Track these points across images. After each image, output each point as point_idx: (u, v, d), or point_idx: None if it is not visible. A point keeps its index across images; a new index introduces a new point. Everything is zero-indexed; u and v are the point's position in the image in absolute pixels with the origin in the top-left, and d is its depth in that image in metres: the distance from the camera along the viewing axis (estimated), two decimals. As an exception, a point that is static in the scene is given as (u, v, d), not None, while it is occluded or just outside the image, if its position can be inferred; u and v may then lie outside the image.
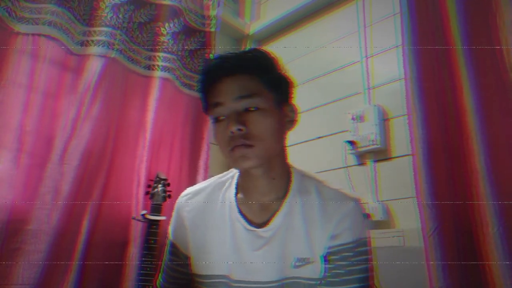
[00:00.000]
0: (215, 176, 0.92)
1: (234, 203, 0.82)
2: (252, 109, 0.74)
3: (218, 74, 0.77)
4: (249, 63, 0.77)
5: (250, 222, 0.80)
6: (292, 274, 0.78)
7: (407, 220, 1.44)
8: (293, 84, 0.83)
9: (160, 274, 0.95)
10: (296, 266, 0.78)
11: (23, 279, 1.16)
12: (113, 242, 1.41)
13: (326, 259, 0.78)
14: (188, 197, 0.89)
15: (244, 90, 0.74)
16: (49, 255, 1.22)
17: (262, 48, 0.81)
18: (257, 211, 0.81)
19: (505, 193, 1.08)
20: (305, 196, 0.81)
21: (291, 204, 0.80)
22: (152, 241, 1.30)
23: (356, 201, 0.81)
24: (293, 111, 0.83)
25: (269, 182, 0.79)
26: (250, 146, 0.72)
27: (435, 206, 1.19)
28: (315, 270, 0.78)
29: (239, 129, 0.72)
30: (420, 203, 1.22)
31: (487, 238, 1.08)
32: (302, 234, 0.78)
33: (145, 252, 1.29)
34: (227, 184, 0.87)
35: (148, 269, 1.25)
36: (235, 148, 0.72)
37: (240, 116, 0.73)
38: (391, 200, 1.51)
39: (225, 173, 0.92)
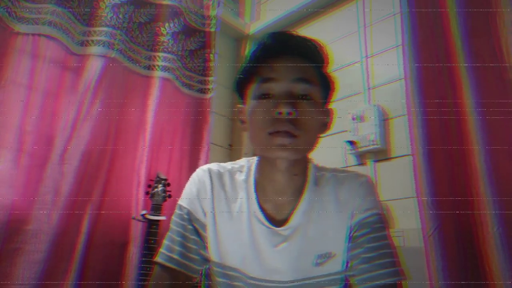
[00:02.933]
0: (224, 164, 0.85)
1: (253, 195, 0.77)
2: (305, 96, 0.69)
3: (278, 49, 0.71)
4: (312, 50, 0.73)
5: (269, 219, 0.76)
6: (315, 273, 0.75)
7: (407, 220, 1.44)
8: (335, 90, 0.79)
9: (162, 249, 0.80)
10: (318, 264, 0.75)
11: (23, 279, 1.16)
12: (113, 242, 1.41)
13: (349, 240, 0.75)
14: (210, 172, 0.82)
15: (304, 73, 0.70)
16: (49, 255, 1.22)
17: (319, 42, 0.76)
18: (276, 207, 0.77)
19: (505, 193, 1.08)
20: (321, 189, 0.78)
21: (309, 200, 0.76)
22: (152, 241, 1.30)
23: (366, 178, 0.79)
24: (329, 115, 0.79)
25: (290, 178, 0.75)
26: (294, 136, 0.66)
27: (435, 206, 1.19)
28: (338, 263, 0.75)
29: (289, 113, 0.65)
30: (420, 203, 1.22)
31: (487, 238, 1.08)
32: (321, 228, 0.75)
33: (145, 252, 1.29)
34: (244, 173, 0.81)
35: (148, 269, 1.25)
36: (277, 134, 0.66)
37: (294, 99, 0.68)
38: (391, 200, 1.51)
39: (233, 162, 0.86)
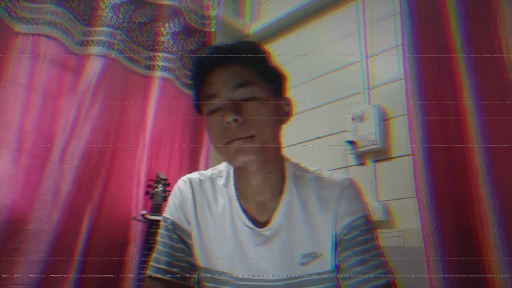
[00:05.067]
0: (204, 171, 0.88)
1: (235, 198, 0.79)
2: (248, 98, 0.71)
3: (211, 64, 0.74)
4: (242, 53, 0.74)
5: (252, 220, 0.78)
6: (301, 273, 0.76)
7: (407, 220, 1.44)
8: (286, 77, 0.80)
9: (151, 262, 0.82)
10: (303, 264, 0.76)
11: (23, 279, 1.17)
12: (113, 242, 1.41)
13: (336, 244, 0.76)
14: (191, 182, 0.85)
15: (239, 78, 0.71)
16: (49, 255, 1.22)
17: (251, 40, 0.79)
18: (257, 208, 0.79)
19: (505, 193, 1.08)
20: (301, 189, 0.79)
21: (289, 200, 0.78)
22: (152, 241, 1.29)
23: (350, 180, 0.80)
24: (288, 104, 0.80)
25: (265, 178, 0.76)
26: (248, 137, 0.68)
27: (435, 206, 1.19)
28: (325, 263, 0.76)
29: (235, 120, 0.67)
30: (420, 203, 1.22)
31: (487, 238, 1.08)
32: (305, 228, 0.76)
33: (145, 252, 1.29)
34: (224, 177, 0.83)
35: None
36: (232, 142, 0.69)
37: (236, 106, 0.69)
38: (391, 200, 1.51)
39: (213, 168, 0.88)
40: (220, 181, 0.83)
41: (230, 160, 0.73)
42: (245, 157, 0.69)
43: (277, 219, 0.77)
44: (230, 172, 0.83)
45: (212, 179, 0.85)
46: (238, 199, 0.79)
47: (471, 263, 1.12)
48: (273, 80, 0.77)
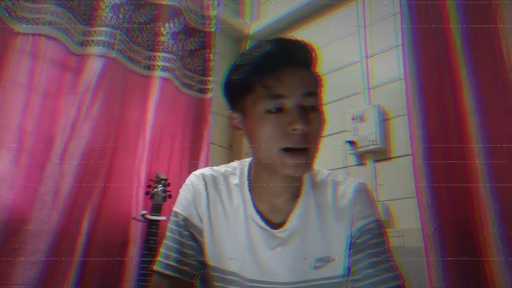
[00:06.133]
0: (217, 167, 0.86)
1: (249, 199, 0.78)
2: (312, 108, 0.69)
3: (284, 59, 0.69)
4: (311, 57, 0.73)
5: (267, 221, 0.77)
6: (313, 276, 0.76)
7: (407, 220, 1.44)
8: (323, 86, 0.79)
9: (159, 257, 0.79)
10: (316, 267, 0.76)
11: (23, 279, 1.16)
12: (113, 242, 1.41)
13: (350, 245, 0.77)
14: (204, 178, 0.82)
15: (310, 86, 0.70)
16: (49, 255, 1.22)
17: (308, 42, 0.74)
18: (272, 209, 0.78)
19: (505, 193, 1.08)
20: (318, 193, 0.79)
21: (306, 203, 0.78)
22: (152, 241, 1.30)
23: (363, 184, 0.81)
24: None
25: (285, 180, 0.75)
26: (305, 149, 0.67)
27: (435, 206, 1.19)
28: (338, 267, 0.77)
29: (303, 128, 0.66)
30: (420, 203, 1.22)
31: (487, 238, 1.08)
32: (319, 232, 0.76)
33: (145, 252, 1.29)
34: (237, 176, 0.81)
35: (148, 269, 1.25)
36: (293, 152, 0.66)
37: (306, 115, 0.67)
38: (391, 200, 1.51)
39: (226, 165, 0.86)
40: (234, 180, 0.81)
41: (279, 167, 0.69)
42: (300, 170, 0.68)
43: (293, 221, 0.76)
44: (244, 171, 0.81)
45: (226, 176, 0.82)
46: (253, 199, 0.78)
47: (471, 263, 1.12)
48: (320, 90, 0.75)
